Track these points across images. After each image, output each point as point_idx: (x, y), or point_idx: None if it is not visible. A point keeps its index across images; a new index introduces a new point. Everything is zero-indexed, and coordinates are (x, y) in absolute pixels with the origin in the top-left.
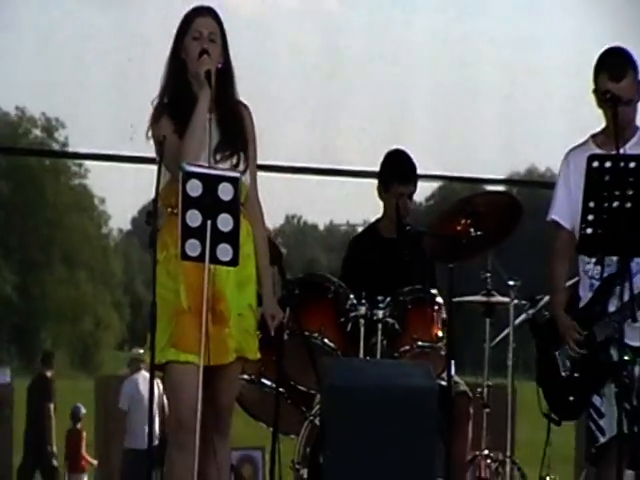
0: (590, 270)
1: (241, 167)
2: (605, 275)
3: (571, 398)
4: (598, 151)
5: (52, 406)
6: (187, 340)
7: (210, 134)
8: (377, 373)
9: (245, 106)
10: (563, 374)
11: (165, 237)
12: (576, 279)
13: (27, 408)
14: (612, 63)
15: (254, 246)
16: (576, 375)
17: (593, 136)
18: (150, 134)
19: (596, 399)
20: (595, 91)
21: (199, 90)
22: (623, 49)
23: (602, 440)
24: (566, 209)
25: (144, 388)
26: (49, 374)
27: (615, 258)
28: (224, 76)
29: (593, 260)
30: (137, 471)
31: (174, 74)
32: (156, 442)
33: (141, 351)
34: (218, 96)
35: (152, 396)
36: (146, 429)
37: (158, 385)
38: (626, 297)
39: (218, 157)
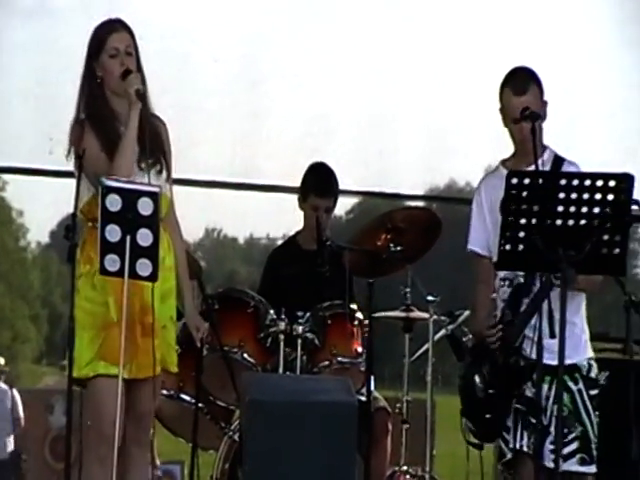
0: (505, 293)
1: (164, 175)
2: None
3: (487, 416)
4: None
5: None
6: (117, 353)
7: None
8: (296, 388)
9: (161, 120)
10: (479, 395)
11: (89, 251)
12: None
13: None
14: (515, 78)
15: (174, 258)
16: (490, 392)
17: (503, 162)
18: (72, 152)
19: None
20: (501, 109)
21: (120, 104)
22: (527, 67)
23: (509, 455)
24: (482, 237)
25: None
26: None
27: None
28: (141, 96)
29: (507, 283)
30: None
31: (91, 90)
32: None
33: (1, 360)
34: None
35: (70, 410)
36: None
37: (13, 397)
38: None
39: (143, 165)
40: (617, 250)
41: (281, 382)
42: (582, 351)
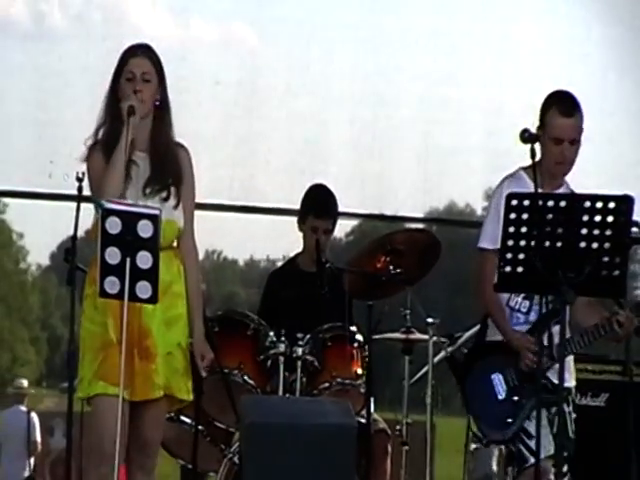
0: (517, 304)
1: (172, 202)
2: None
3: (509, 420)
4: (531, 184)
5: None
6: (115, 373)
7: (134, 170)
8: (296, 411)
9: (183, 147)
10: (500, 397)
11: (93, 272)
12: (477, 328)
13: None
14: (563, 101)
15: (186, 285)
16: (515, 399)
17: (524, 168)
18: (79, 173)
19: (527, 422)
20: (542, 129)
21: (135, 128)
22: (570, 93)
23: (532, 460)
24: (494, 234)
25: (17, 422)
26: None
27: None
28: (160, 113)
29: (521, 294)
30: None
31: (110, 113)
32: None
33: (24, 382)
34: (153, 132)
35: (70, 428)
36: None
37: (30, 420)
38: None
39: (147, 191)
40: (617, 272)
41: (280, 404)
42: (573, 375)
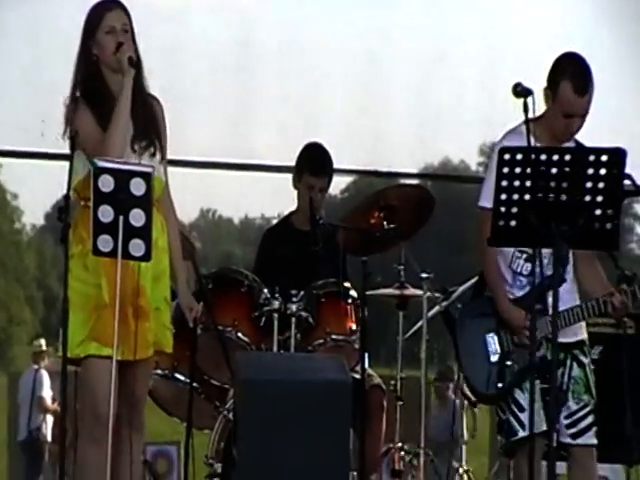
0: (519, 266)
1: (158, 157)
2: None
3: (499, 385)
4: (532, 138)
5: None
6: (109, 334)
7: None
8: (290, 367)
9: (156, 99)
10: (492, 359)
11: (81, 231)
12: (475, 279)
13: None
14: (578, 75)
15: (168, 239)
16: (508, 363)
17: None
18: (68, 131)
19: (519, 393)
20: (551, 94)
21: (116, 82)
22: (585, 60)
23: (522, 434)
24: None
25: (28, 381)
26: None
27: (547, 257)
28: (135, 68)
29: (523, 256)
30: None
31: (87, 68)
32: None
33: (41, 341)
34: (132, 88)
35: (65, 390)
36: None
37: (36, 377)
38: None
39: (136, 147)
40: (610, 225)
41: (274, 361)
42: (584, 328)
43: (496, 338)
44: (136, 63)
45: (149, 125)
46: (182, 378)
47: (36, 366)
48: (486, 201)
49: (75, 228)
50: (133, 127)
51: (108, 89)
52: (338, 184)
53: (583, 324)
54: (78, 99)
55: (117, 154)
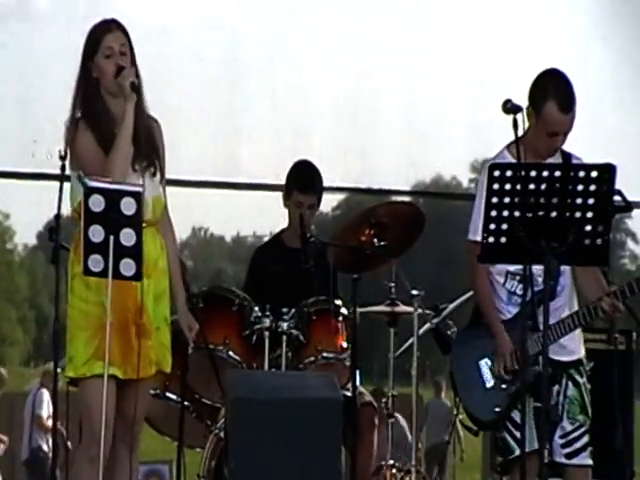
0: (513, 287)
1: (158, 177)
2: (534, 290)
3: (497, 409)
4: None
5: None
6: (114, 353)
7: None
8: (281, 385)
9: (156, 120)
10: (488, 385)
11: (80, 251)
12: (471, 293)
13: None
14: (562, 93)
15: (167, 259)
16: (503, 387)
17: (507, 147)
18: (69, 151)
19: (515, 412)
20: (534, 113)
21: (116, 104)
22: (567, 78)
23: (518, 452)
24: None
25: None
26: None
27: (541, 277)
28: (136, 89)
29: (517, 277)
30: None
31: (87, 92)
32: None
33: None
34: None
35: (56, 410)
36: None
37: (38, 395)
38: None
39: (137, 167)
40: (600, 240)
41: (265, 379)
42: (582, 346)
43: (489, 363)
44: (137, 85)
45: (149, 146)
46: (173, 397)
47: (38, 385)
48: (476, 234)
49: (76, 248)
50: (134, 147)
51: (108, 111)
52: (329, 202)
53: (581, 342)
54: (78, 120)
55: (119, 179)
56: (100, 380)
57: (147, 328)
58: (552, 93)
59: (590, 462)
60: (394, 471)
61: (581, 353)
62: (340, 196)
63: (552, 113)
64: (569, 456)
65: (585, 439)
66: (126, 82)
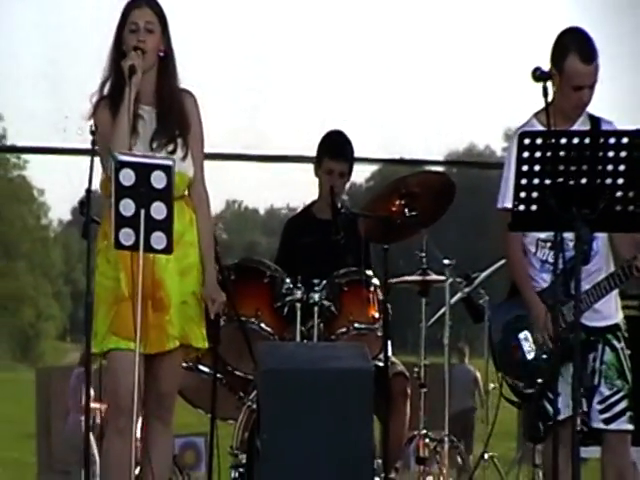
0: (545, 255)
1: (179, 154)
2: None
3: (539, 380)
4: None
5: None
6: (127, 327)
7: (140, 124)
8: (312, 356)
9: (189, 93)
10: (529, 357)
11: (105, 226)
12: (503, 262)
13: None
14: (582, 45)
15: (198, 233)
16: (544, 357)
17: (536, 115)
18: (92, 127)
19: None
20: (558, 71)
21: (142, 81)
22: (586, 32)
23: (561, 417)
24: None
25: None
26: None
27: (572, 242)
28: (164, 64)
29: (548, 245)
30: None
31: (114, 67)
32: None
33: None
34: (158, 85)
35: (88, 385)
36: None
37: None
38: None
39: (154, 145)
40: (631, 207)
41: (296, 350)
42: (620, 311)
43: (529, 335)
44: (166, 59)
45: (174, 122)
46: (206, 369)
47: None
48: (504, 201)
49: (102, 224)
50: (156, 123)
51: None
52: (363, 173)
53: (618, 306)
54: (102, 98)
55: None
56: (120, 353)
57: (164, 302)
58: (572, 47)
59: (629, 427)
60: (427, 440)
61: (618, 318)
62: (374, 167)
63: (574, 65)
64: (607, 421)
65: (624, 404)
66: (125, 64)
